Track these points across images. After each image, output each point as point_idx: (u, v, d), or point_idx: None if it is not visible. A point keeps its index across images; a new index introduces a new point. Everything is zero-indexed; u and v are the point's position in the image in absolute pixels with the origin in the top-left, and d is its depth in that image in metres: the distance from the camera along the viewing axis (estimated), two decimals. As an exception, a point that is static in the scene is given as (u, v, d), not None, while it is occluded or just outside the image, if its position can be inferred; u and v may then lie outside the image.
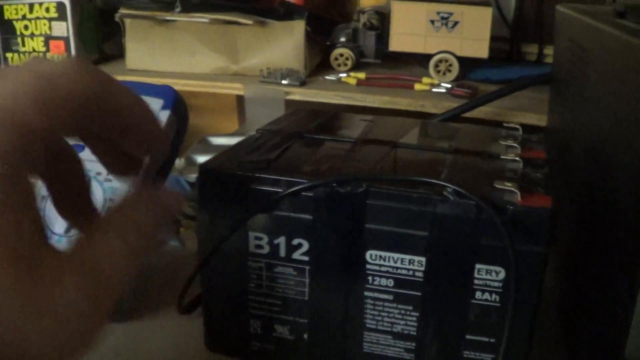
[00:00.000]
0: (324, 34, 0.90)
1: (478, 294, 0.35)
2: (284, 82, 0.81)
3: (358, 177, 0.36)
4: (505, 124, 0.50)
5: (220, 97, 1.04)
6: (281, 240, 0.37)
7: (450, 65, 0.82)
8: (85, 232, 0.24)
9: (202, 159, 0.67)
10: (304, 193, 0.36)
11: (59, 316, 0.21)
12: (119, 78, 0.28)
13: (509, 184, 0.35)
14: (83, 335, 0.22)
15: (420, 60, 0.86)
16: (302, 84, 0.81)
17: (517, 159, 0.40)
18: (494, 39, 0.81)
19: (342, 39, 0.89)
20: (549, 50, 0.89)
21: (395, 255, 0.35)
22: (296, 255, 0.37)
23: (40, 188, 0.26)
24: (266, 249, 0.37)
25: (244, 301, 0.39)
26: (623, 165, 0.34)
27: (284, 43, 0.84)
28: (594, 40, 0.44)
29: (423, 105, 0.75)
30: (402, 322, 0.37)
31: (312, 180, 0.36)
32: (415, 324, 0.37)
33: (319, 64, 0.91)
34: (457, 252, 0.35)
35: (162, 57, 0.88)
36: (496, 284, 0.35)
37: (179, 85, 0.80)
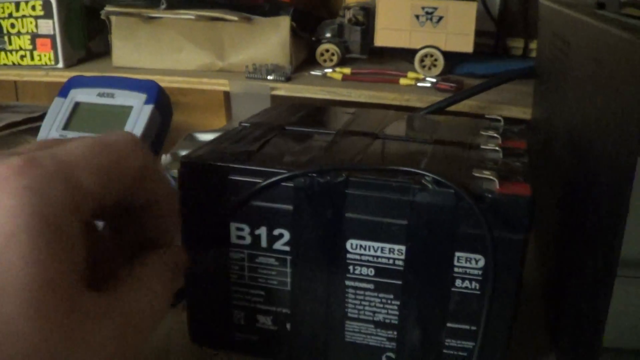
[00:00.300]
0: (309, 29, 0.90)
1: (458, 282, 0.35)
2: (269, 77, 0.81)
3: (337, 167, 0.36)
4: (487, 116, 0.50)
5: (209, 94, 1.04)
6: (262, 231, 0.37)
7: (436, 59, 0.82)
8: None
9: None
10: (284, 183, 0.36)
11: (93, 351, 0.24)
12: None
13: (488, 173, 0.35)
14: None
15: (406, 55, 0.86)
16: (288, 79, 0.81)
17: (497, 148, 0.41)
18: (479, 33, 0.82)
19: (328, 35, 0.89)
20: (535, 45, 0.89)
21: (376, 245, 0.36)
22: (277, 245, 0.37)
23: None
24: (248, 240, 0.37)
25: (226, 293, 0.39)
26: (601, 154, 0.35)
27: (270, 39, 0.84)
28: (574, 32, 0.44)
29: (408, 99, 0.76)
30: (384, 310, 0.37)
31: (292, 171, 0.36)
32: (397, 312, 0.37)
33: (304, 59, 0.91)
34: (436, 240, 0.35)
35: (148, 54, 0.88)
36: (476, 271, 0.35)
37: (165, 82, 0.80)
